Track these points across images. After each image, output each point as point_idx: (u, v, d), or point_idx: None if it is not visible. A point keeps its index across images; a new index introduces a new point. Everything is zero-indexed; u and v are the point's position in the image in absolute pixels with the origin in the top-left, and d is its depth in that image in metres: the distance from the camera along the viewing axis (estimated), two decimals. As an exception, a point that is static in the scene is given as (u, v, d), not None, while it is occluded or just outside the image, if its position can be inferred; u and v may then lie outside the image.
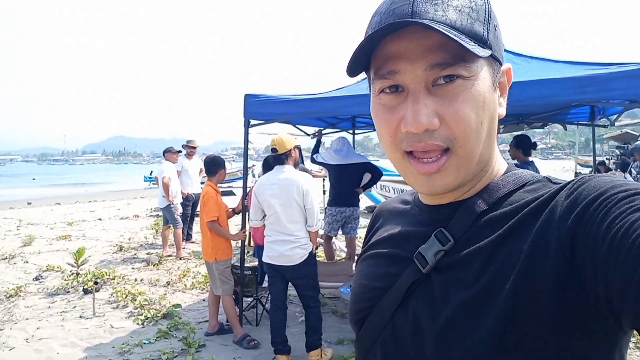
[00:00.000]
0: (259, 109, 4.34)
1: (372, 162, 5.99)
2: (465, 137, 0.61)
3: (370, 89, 0.70)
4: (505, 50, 4.45)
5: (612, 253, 0.47)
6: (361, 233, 8.62)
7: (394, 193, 11.32)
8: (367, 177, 5.62)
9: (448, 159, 0.62)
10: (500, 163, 0.71)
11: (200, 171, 8.25)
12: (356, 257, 5.67)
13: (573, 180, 0.58)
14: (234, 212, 4.48)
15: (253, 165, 15.17)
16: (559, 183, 0.62)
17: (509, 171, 0.70)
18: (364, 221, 8.79)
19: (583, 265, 0.50)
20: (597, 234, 0.50)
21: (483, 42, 0.60)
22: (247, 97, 4.30)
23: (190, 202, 7.95)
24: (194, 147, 8.13)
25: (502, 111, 0.67)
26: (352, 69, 0.66)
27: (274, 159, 3.76)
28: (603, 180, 0.55)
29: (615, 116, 4.84)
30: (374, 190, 11.09)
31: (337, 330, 4.26)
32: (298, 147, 7.17)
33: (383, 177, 6.27)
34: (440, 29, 0.56)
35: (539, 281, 0.53)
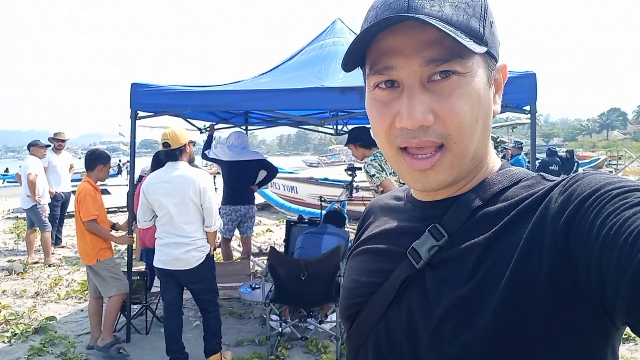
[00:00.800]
0: (147, 99, 4.00)
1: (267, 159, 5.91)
2: (460, 134, 0.61)
3: (365, 84, 0.69)
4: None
5: (605, 250, 0.48)
6: (257, 230, 8.57)
7: (285, 190, 11.38)
8: (262, 174, 5.54)
9: (442, 156, 0.62)
10: (495, 160, 0.71)
11: (71, 167, 7.44)
12: (253, 257, 5.59)
13: (568, 177, 0.60)
14: (114, 227, 4.14)
15: (127, 162, 14.11)
16: (553, 180, 0.63)
17: (503, 168, 0.71)
18: (262, 220, 8.70)
19: (577, 262, 0.51)
20: (591, 231, 0.50)
21: (479, 39, 0.60)
22: (135, 86, 3.94)
23: (59, 202, 7.10)
24: (63, 141, 7.26)
25: (497, 108, 0.67)
26: (348, 64, 0.66)
27: (166, 155, 3.49)
28: (598, 177, 0.56)
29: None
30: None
31: (235, 332, 4.14)
32: (193, 143, 6.84)
33: (280, 175, 6.27)
34: (436, 24, 0.56)
35: (533, 278, 0.54)
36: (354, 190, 6.96)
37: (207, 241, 3.43)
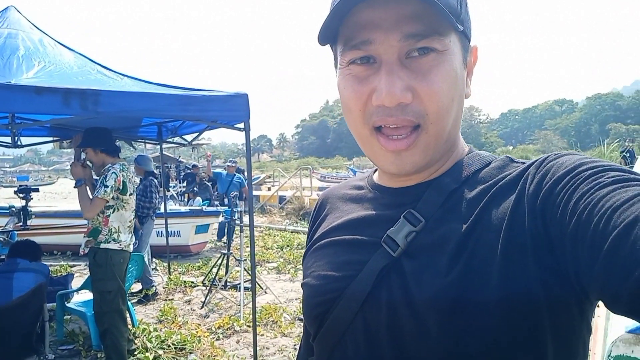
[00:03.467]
0: None
1: None
2: (437, 114, 0.61)
3: (336, 62, 0.67)
4: (94, 62, 4.25)
5: (580, 229, 0.49)
6: None
7: None
8: None
9: (418, 136, 0.62)
10: (464, 144, 0.73)
11: None
12: None
13: (541, 157, 0.61)
14: None
15: None
16: (522, 162, 0.64)
17: (472, 151, 0.72)
18: None
19: (555, 241, 0.52)
20: (565, 211, 0.51)
21: (456, 16, 0.60)
22: None
23: None
24: None
25: (468, 91, 0.68)
26: (325, 37, 0.63)
27: None
28: (571, 157, 0.57)
29: (195, 135, 5.46)
30: None
31: None
32: None
33: None
34: None
35: (519, 260, 0.54)
36: (29, 217, 5.66)
37: None
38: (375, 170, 0.81)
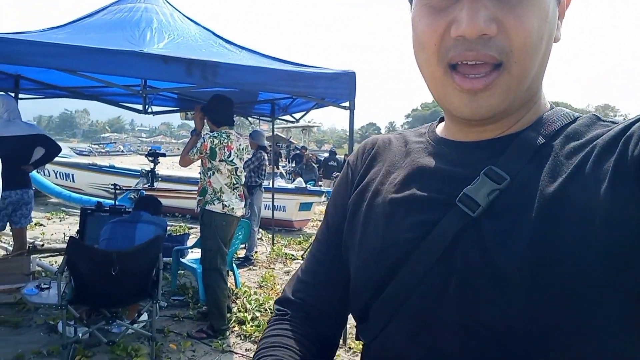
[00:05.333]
0: None
1: (46, 133, 4.86)
2: (523, 51, 0.54)
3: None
4: (216, 35, 4.54)
5: None
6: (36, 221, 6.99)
7: (58, 178, 9.67)
8: (39, 151, 4.52)
9: (499, 76, 0.55)
10: (545, 97, 0.65)
11: None
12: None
13: None
14: None
15: None
16: (612, 121, 0.58)
17: (553, 107, 0.65)
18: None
19: None
20: None
21: None
22: None
23: None
24: None
25: (559, 35, 0.61)
26: None
27: None
28: None
29: (302, 113, 5.61)
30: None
31: (12, 344, 3.27)
32: None
33: (59, 160, 5.17)
34: None
35: (624, 224, 0.49)
36: (156, 180, 6.33)
37: None
38: (439, 122, 0.74)
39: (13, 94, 5.46)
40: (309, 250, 0.76)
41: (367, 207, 0.69)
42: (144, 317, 3.54)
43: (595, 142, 0.55)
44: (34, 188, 8.78)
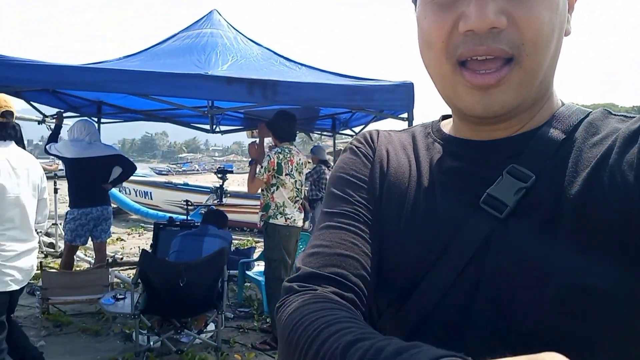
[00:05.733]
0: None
1: (123, 153, 5.23)
2: (535, 44, 0.53)
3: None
4: (277, 54, 4.70)
5: None
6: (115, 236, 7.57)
7: (138, 196, 10.36)
8: (116, 171, 4.86)
9: (511, 71, 0.53)
10: (557, 94, 0.64)
11: None
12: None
13: None
14: None
15: None
16: (624, 115, 0.58)
17: (564, 103, 0.63)
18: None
19: None
20: None
21: None
22: (-36, 52, 3.14)
23: None
24: None
25: (569, 28, 0.59)
26: None
27: (5, 129, 2.55)
28: None
29: (361, 127, 5.62)
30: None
31: (92, 351, 3.51)
32: (17, 126, 5.69)
33: (134, 179, 5.55)
34: None
35: None
36: (224, 195, 6.61)
37: None
38: (442, 120, 0.72)
39: (96, 119, 5.99)
40: (323, 225, 0.65)
41: (385, 204, 0.66)
42: (211, 327, 3.68)
43: (615, 134, 0.55)
44: (115, 205, 9.51)
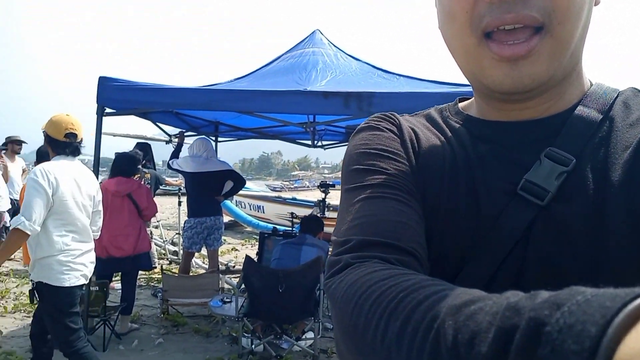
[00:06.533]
0: (115, 95, 3.76)
1: (234, 169, 5.65)
2: (567, 11, 0.49)
3: None
4: (375, 67, 4.73)
5: None
6: (222, 248, 8.19)
7: (251, 210, 11.05)
8: (229, 184, 5.26)
9: (541, 40, 0.49)
10: (585, 73, 0.59)
11: (23, 172, 6.89)
12: (220, 274, 5.26)
13: None
14: None
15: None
16: None
17: (592, 83, 0.60)
18: (226, 239, 8.26)
19: None
20: None
21: None
22: (103, 80, 3.71)
23: (12, 210, 6.53)
24: (20, 144, 6.74)
25: None
26: None
27: (69, 147, 2.76)
28: None
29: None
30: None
31: (202, 351, 3.79)
32: (148, 146, 6.46)
33: (242, 192, 5.91)
34: None
35: None
36: (327, 209, 6.77)
37: None
38: (457, 102, 0.66)
39: (214, 137, 6.57)
40: (355, 199, 0.55)
41: (432, 179, 0.59)
42: (310, 335, 3.75)
43: None
44: (231, 218, 10.22)
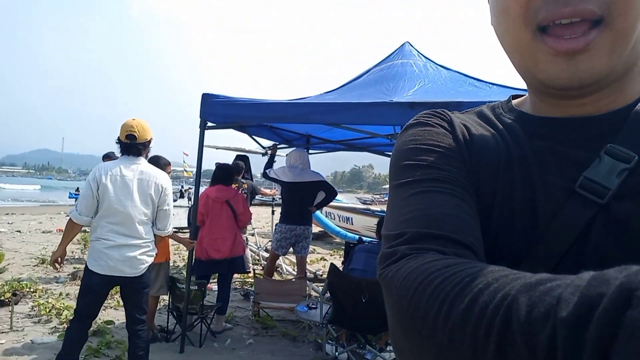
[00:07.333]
0: (216, 110, 4.07)
1: (327, 180, 5.82)
2: (627, 2, 0.46)
3: None
4: (466, 76, 4.60)
5: None
6: (311, 257, 8.41)
7: (340, 221, 11.19)
8: (321, 195, 5.44)
9: (599, 34, 0.47)
10: None
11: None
12: (308, 281, 5.42)
13: None
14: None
15: (189, 188, 14.35)
16: None
17: None
18: (316, 249, 8.51)
19: None
20: None
21: None
22: (205, 96, 4.04)
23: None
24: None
25: None
26: None
27: (127, 147, 3.05)
28: None
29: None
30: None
31: (288, 355, 3.94)
32: (246, 158, 6.86)
33: (332, 204, 5.98)
34: None
35: None
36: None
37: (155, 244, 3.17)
38: (510, 99, 0.64)
39: (305, 150, 6.81)
40: (406, 195, 0.54)
41: (488, 176, 0.57)
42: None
43: None
44: (321, 229, 10.42)
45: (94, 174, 3.00)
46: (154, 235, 3.13)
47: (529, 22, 0.50)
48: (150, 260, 3.09)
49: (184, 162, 15.05)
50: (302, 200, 5.25)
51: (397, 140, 0.63)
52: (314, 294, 5.34)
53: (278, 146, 6.02)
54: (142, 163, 3.10)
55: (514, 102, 0.65)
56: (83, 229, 3.38)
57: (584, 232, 0.50)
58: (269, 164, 5.67)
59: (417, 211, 0.51)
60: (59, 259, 3.06)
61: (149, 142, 3.14)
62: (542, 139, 0.56)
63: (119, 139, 3.08)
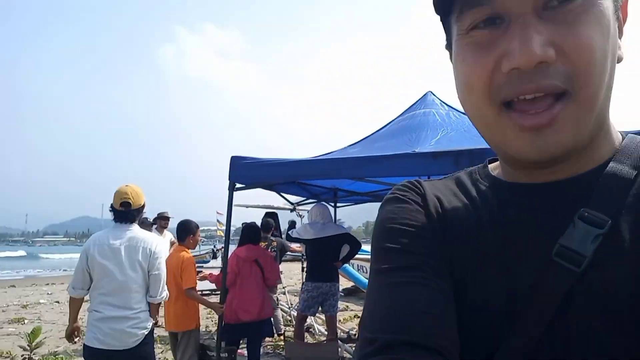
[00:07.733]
0: (244, 171, 4.17)
1: (351, 232, 5.72)
2: (589, 72, 0.47)
3: (449, 38, 0.57)
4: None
5: None
6: (344, 315, 8.14)
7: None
8: (345, 249, 5.32)
9: (564, 107, 0.47)
10: (614, 125, 0.56)
11: (172, 244, 7.75)
12: (340, 342, 5.22)
13: None
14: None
15: (222, 248, 14.42)
16: None
17: (624, 136, 0.57)
18: (349, 305, 8.22)
19: None
20: None
21: None
22: (234, 159, 4.15)
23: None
24: (168, 219, 7.67)
25: (621, 54, 0.53)
26: (440, 3, 0.53)
27: (120, 215, 3.00)
28: None
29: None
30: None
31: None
32: (275, 215, 6.87)
33: (362, 256, 5.90)
34: None
35: None
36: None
37: (150, 314, 3.02)
38: (487, 164, 0.63)
39: (332, 203, 6.80)
40: (385, 283, 0.55)
41: (460, 248, 0.57)
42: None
43: None
44: (353, 284, 10.15)
45: (85, 246, 2.97)
46: (149, 303, 3.00)
47: (493, 98, 0.50)
48: (144, 332, 2.92)
49: (217, 221, 15.18)
50: (326, 255, 5.14)
51: (378, 214, 0.64)
52: (347, 355, 5.10)
53: (306, 201, 6.03)
54: (134, 229, 3.02)
55: (490, 166, 0.65)
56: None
57: (564, 303, 0.48)
58: (292, 225, 5.67)
59: (391, 309, 0.52)
60: (75, 332, 3.05)
61: (143, 207, 3.09)
62: (514, 207, 0.56)
63: (112, 206, 3.02)
